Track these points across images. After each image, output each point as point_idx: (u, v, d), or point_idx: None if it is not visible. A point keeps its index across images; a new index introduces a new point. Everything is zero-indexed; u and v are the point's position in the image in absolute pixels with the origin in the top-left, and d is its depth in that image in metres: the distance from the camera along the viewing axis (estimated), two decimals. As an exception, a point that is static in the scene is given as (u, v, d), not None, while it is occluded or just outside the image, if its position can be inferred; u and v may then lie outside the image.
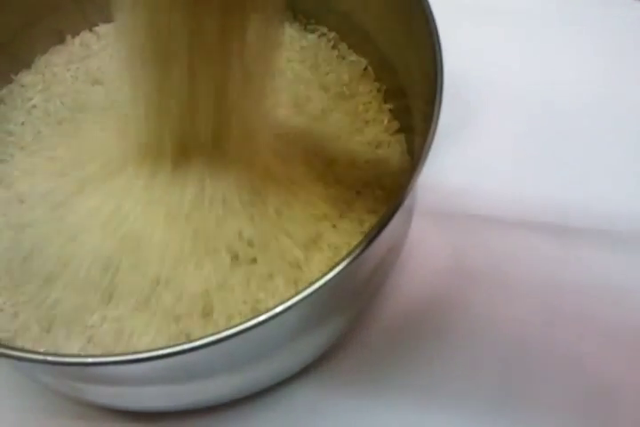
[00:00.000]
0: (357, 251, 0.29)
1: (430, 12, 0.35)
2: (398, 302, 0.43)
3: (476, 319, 0.42)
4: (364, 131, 0.46)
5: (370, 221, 0.41)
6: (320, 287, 0.27)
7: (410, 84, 0.43)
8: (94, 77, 0.48)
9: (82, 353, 0.36)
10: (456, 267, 0.43)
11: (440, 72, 0.33)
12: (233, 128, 0.35)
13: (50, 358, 0.25)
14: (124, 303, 0.37)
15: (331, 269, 0.28)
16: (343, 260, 0.28)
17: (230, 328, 0.26)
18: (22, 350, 0.27)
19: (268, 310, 0.27)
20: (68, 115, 0.46)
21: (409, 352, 0.42)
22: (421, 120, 0.40)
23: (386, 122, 0.46)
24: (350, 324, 0.39)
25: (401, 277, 0.43)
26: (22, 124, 0.47)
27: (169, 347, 0.26)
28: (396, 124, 0.46)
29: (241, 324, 0.26)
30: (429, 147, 0.31)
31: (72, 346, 0.37)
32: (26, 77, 0.49)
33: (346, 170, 0.43)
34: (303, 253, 0.38)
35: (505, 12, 0.54)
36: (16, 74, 0.49)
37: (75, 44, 0.50)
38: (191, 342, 0.27)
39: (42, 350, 0.38)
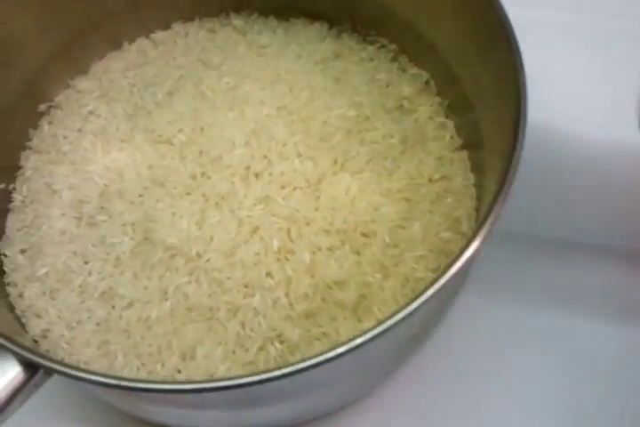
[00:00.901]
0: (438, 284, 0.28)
1: (510, 28, 0.34)
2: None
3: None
4: (425, 147, 0.44)
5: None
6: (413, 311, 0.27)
7: (479, 98, 0.42)
8: (151, 85, 0.47)
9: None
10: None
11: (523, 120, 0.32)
12: None
13: (142, 386, 0.24)
14: None
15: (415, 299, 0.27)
16: (421, 294, 0.28)
17: (318, 356, 0.26)
18: (110, 376, 0.27)
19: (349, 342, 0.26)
20: (125, 122, 0.45)
21: (469, 375, 0.41)
22: (492, 139, 0.40)
23: (448, 138, 0.45)
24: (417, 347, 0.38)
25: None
26: (79, 130, 0.46)
27: (257, 374, 0.25)
28: (458, 141, 0.45)
29: (328, 352, 0.26)
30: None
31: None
32: (82, 83, 0.48)
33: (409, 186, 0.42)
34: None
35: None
36: (72, 79, 0.48)
37: (131, 51, 0.50)
38: (276, 369, 0.26)
39: (94, 366, 0.38)
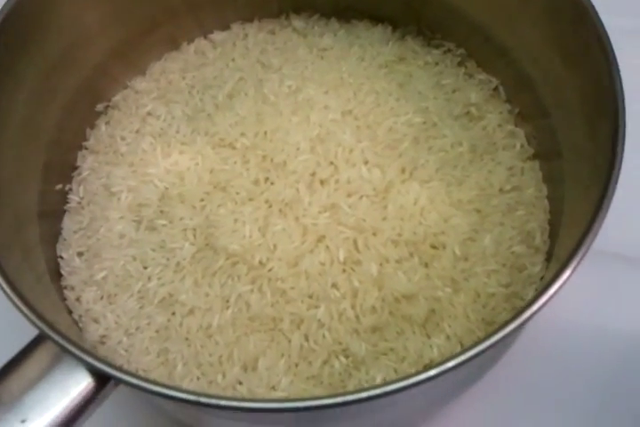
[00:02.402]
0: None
1: (606, 39, 0.33)
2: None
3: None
4: (495, 156, 0.43)
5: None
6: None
7: (558, 105, 0.40)
8: (210, 87, 0.46)
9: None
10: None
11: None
12: None
13: (223, 403, 0.23)
14: None
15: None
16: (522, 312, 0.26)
17: (408, 378, 0.24)
18: (184, 391, 0.25)
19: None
20: (184, 124, 0.44)
21: (537, 396, 0.39)
22: (575, 147, 0.38)
23: (518, 147, 0.44)
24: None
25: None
26: (137, 131, 0.45)
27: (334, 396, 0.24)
28: (530, 150, 0.43)
29: (419, 374, 0.24)
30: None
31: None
32: (140, 84, 0.47)
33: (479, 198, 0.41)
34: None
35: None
36: (130, 79, 0.47)
37: (189, 52, 0.49)
38: (357, 392, 0.24)
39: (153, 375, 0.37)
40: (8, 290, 0.29)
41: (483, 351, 0.25)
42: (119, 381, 0.27)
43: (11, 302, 0.28)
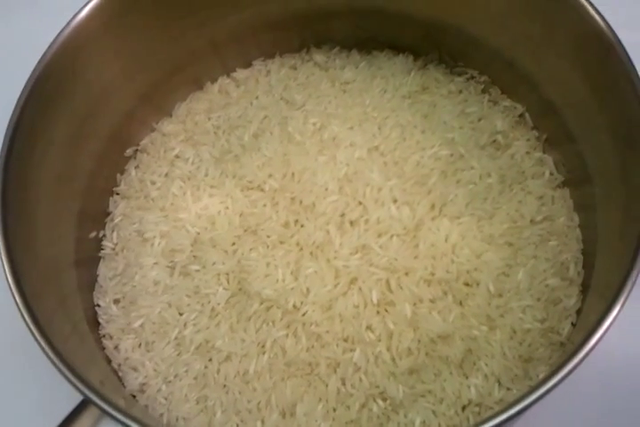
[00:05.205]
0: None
1: (632, 70, 0.32)
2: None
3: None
4: (525, 186, 0.42)
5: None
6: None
7: (585, 128, 0.39)
8: (236, 127, 0.46)
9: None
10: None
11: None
12: None
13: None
14: None
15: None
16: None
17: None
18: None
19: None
20: (213, 167, 0.45)
21: None
22: (606, 170, 0.37)
23: (547, 174, 0.43)
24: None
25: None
26: (166, 175, 0.46)
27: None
28: (559, 177, 0.43)
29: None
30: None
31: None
32: (167, 126, 0.48)
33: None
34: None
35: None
36: (156, 122, 0.48)
37: (214, 92, 0.49)
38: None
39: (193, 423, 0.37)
40: (44, 344, 0.30)
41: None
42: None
43: (56, 369, 0.29)
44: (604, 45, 0.34)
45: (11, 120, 0.36)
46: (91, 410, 0.29)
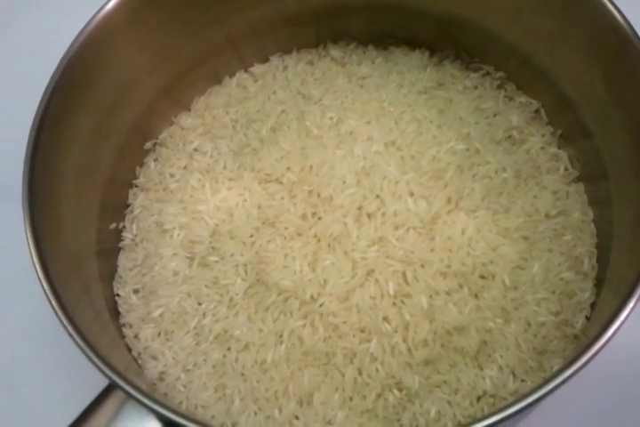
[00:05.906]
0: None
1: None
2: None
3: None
4: (540, 180, 0.43)
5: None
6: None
7: (602, 124, 0.40)
8: (254, 121, 0.47)
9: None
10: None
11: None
12: None
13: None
14: None
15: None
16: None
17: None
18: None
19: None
20: (231, 160, 0.45)
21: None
22: (622, 166, 0.38)
23: (562, 170, 0.43)
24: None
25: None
26: (185, 168, 0.46)
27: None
28: (574, 172, 0.43)
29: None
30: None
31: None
32: (185, 120, 0.48)
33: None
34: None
35: None
36: (175, 116, 0.49)
37: (232, 86, 0.50)
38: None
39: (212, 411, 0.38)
40: (71, 329, 0.30)
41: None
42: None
43: (83, 354, 0.30)
44: (621, 40, 0.34)
45: (37, 113, 0.37)
46: (115, 396, 0.30)
